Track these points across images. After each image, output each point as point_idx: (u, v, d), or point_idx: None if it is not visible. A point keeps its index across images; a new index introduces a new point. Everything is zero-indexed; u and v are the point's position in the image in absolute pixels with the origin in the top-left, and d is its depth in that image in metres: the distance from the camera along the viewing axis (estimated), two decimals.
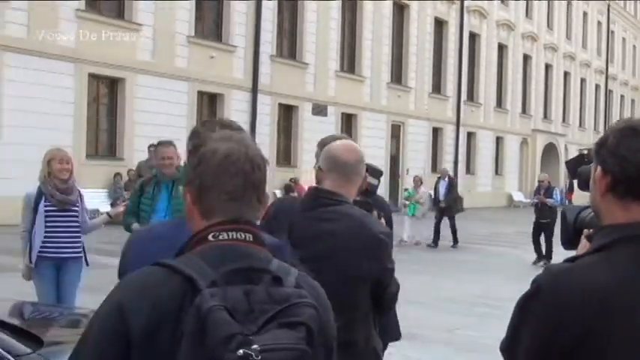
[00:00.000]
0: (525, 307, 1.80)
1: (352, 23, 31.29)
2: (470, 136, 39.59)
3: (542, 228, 16.69)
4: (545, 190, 17.13)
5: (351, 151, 3.28)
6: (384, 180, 25.35)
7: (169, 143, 6.99)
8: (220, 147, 1.79)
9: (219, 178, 1.77)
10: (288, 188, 26.40)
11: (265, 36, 26.12)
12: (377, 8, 31.84)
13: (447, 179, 20.25)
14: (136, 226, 6.84)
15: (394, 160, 32.99)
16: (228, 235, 1.75)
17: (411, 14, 34.56)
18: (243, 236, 1.76)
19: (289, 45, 28.31)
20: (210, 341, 1.53)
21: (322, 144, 3.38)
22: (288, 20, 28.18)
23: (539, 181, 18.08)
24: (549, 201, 16.86)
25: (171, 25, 22.87)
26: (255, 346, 1.52)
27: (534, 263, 16.44)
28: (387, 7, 32.69)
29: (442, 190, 19.96)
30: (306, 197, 3.35)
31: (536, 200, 17.25)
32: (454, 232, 19.25)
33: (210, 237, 1.75)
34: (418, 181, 20.48)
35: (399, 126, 33.93)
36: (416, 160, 33.78)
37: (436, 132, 36.75)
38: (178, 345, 1.58)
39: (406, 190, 22.76)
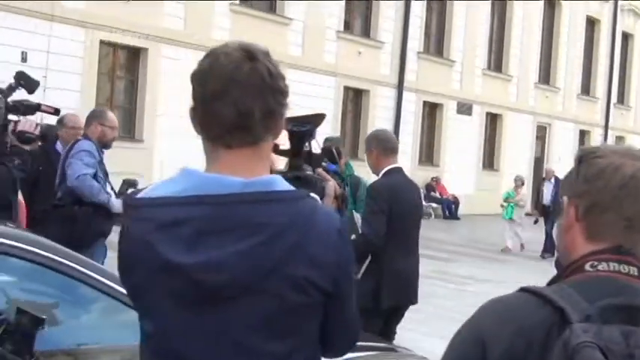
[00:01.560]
0: None
1: (501, 21, 30.52)
2: (618, 140, 37.95)
3: None
4: None
5: None
6: (527, 182, 24.68)
7: None
8: (626, 164, 1.57)
9: (619, 201, 1.55)
10: (429, 188, 26.07)
11: (413, 32, 25.79)
12: (527, 5, 30.91)
13: (552, 180, 18.27)
14: None
15: (538, 163, 31.98)
16: (608, 266, 1.53)
17: (563, 12, 33.41)
18: (626, 269, 1.52)
19: (436, 42, 27.88)
20: None
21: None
22: (436, 17, 27.75)
23: None
24: None
25: (321, 19, 22.92)
26: None
27: None
28: (538, 5, 31.72)
29: (547, 192, 18.13)
30: None
31: None
32: (551, 239, 16.66)
33: (587, 266, 1.54)
34: (519, 182, 18.91)
35: (545, 127, 32.93)
36: (561, 163, 32.61)
37: (583, 135, 35.45)
38: None
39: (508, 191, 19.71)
